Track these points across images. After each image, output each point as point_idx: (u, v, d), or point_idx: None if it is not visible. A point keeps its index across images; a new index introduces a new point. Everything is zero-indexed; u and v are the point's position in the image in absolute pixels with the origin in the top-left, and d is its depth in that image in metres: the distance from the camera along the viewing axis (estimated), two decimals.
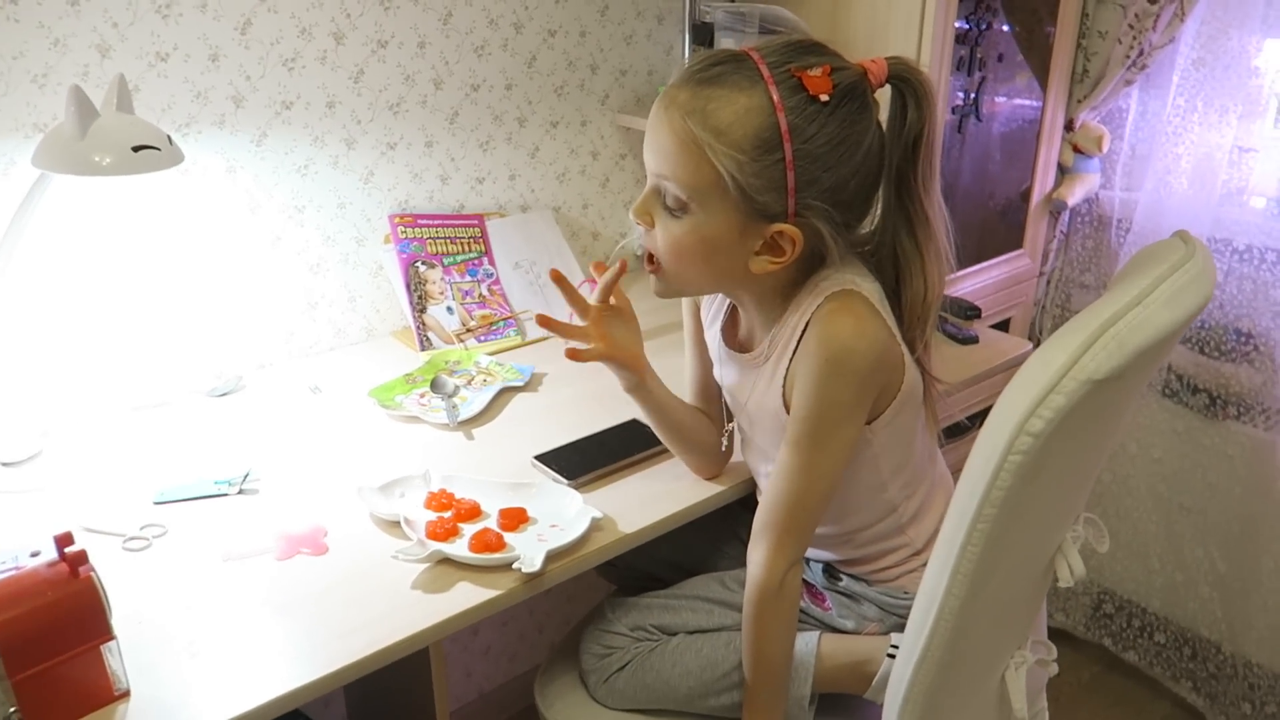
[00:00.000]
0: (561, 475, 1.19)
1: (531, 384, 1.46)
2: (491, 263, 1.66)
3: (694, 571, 1.29)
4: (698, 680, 1.15)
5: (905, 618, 1.13)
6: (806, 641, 1.14)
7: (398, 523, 1.08)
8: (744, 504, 1.28)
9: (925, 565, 1.13)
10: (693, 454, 1.22)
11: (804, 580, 1.20)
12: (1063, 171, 2.03)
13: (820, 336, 0.98)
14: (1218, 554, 1.93)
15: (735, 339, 1.15)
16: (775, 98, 0.92)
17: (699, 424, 1.22)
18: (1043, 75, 1.92)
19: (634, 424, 1.32)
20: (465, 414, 1.34)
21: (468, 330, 1.59)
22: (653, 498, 1.17)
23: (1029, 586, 0.93)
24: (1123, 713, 2.04)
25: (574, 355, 1.10)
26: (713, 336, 1.18)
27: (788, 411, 1.04)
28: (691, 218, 0.97)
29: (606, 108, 1.81)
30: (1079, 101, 1.96)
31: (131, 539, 1.08)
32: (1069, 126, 1.99)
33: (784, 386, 1.04)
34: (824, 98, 0.92)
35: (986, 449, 0.75)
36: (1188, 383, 1.93)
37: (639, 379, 1.15)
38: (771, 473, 1.05)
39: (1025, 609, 0.97)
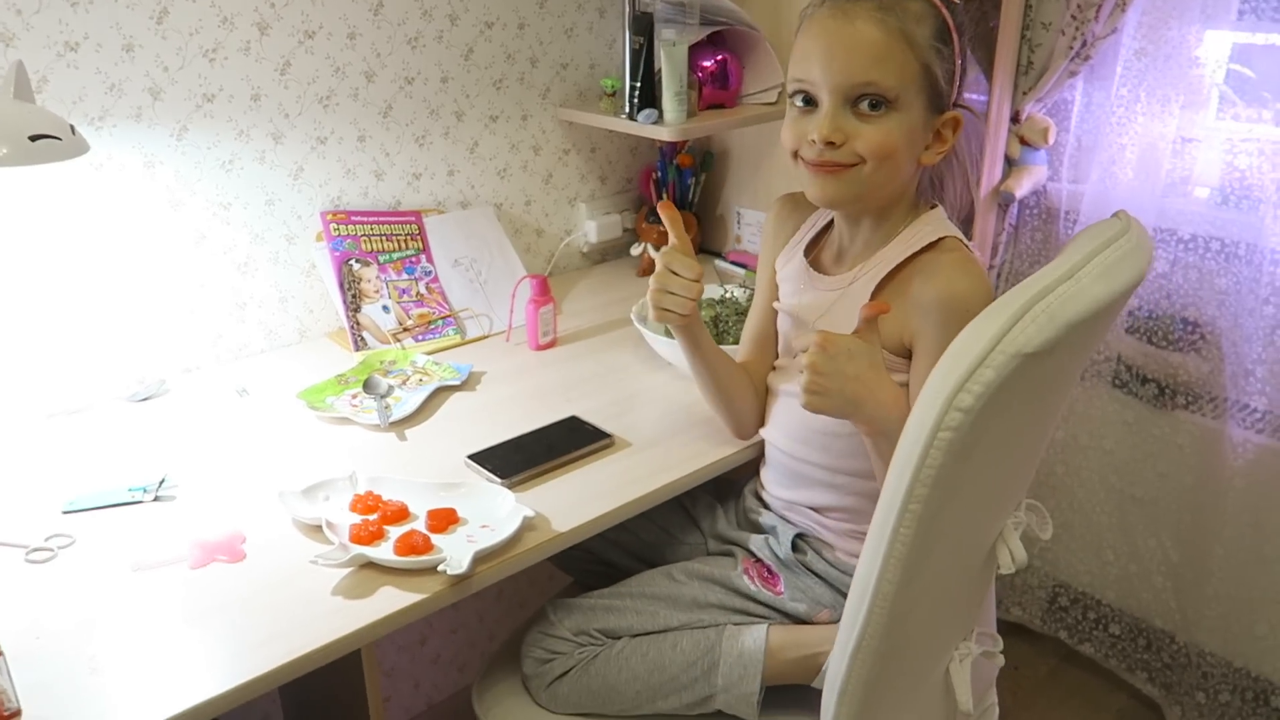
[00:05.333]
0: (495, 474, 1.15)
1: (469, 383, 1.41)
2: (430, 260, 1.61)
3: (654, 562, 1.26)
4: (645, 684, 1.12)
5: None
6: (755, 637, 1.11)
7: (320, 526, 1.03)
8: (702, 487, 1.25)
9: None
10: (732, 407, 1.23)
11: (758, 559, 1.17)
12: (1010, 164, 2.03)
13: (965, 287, 1.01)
14: (1170, 544, 1.93)
15: (819, 262, 1.18)
16: None
17: (740, 378, 1.23)
18: (988, 68, 1.91)
19: (574, 421, 1.28)
20: (398, 414, 1.29)
21: (405, 329, 1.54)
22: (590, 495, 1.13)
23: (969, 574, 0.90)
24: (1080, 705, 2.04)
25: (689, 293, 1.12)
26: (795, 258, 1.19)
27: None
28: (895, 115, 1.01)
29: (548, 102, 1.77)
30: (1024, 94, 1.95)
31: (35, 550, 1.02)
32: (1015, 119, 1.98)
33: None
34: None
35: (916, 426, 0.72)
36: (1137, 373, 1.93)
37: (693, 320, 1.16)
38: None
39: (967, 598, 0.94)
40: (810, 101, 1.04)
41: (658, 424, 1.29)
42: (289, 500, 1.07)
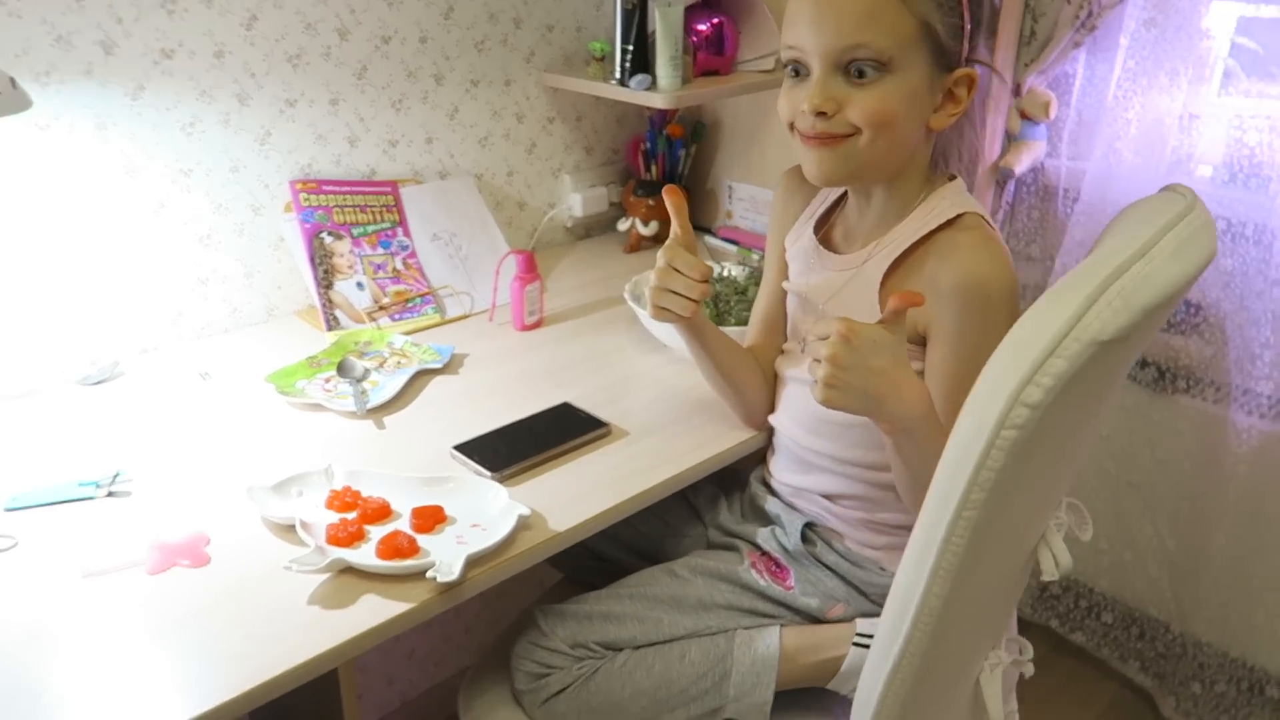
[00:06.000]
0: (484, 467, 1.06)
1: (451, 365, 1.32)
2: (407, 234, 1.51)
3: (652, 557, 1.18)
4: (651, 699, 1.03)
5: (873, 599, 1.04)
6: (768, 643, 1.04)
7: (293, 526, 0.94)
8: (706, 477, 1.17)
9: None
10: (742, 397, 1.16)
11: (766, 554, 1.11)
12: (1010, 139, 1.96)
13: (985, 270, 0.94)
14: (1166, 532, 1.89)
15: (830, 240, 1.10)
16: None
17: (748, 365, 1.16)
18: (990, 38, 1.83)
19: (566, 408, 1.19)
20: (375, 400, 1.20)
21: (380, 308, 1.44)
22: (588, 490, 1.05)
23: (1010, 581, 0.84)
24: (1071, 694, 2.00)
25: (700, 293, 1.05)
26: (804, 235, 1.12)
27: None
28: (891, 78, 0.93)
29: (532, 66, 1.67)
30: (1026, 65, 1.88)
31: None
32: (1016, 91, 1.91)
33: (881, 290, 1.00)
34: None
35: (973, 425, 0.64)
36: (1137, 357, 1.88)
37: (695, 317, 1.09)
38: (958, 391, 1.00)
39: (1004, 606, 0.87)
40: (802, 70, 0.96)
41: (656, 410, 1.21)
42: (258, 496, 0.97)
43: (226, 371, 1.28)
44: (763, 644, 1.03)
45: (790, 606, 1.07)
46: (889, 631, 0.74)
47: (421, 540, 0.93)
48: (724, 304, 1.33)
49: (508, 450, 1.09)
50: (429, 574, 0.87)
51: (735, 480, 1.24)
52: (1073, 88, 1.92)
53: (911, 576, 0.71)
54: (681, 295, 1.03)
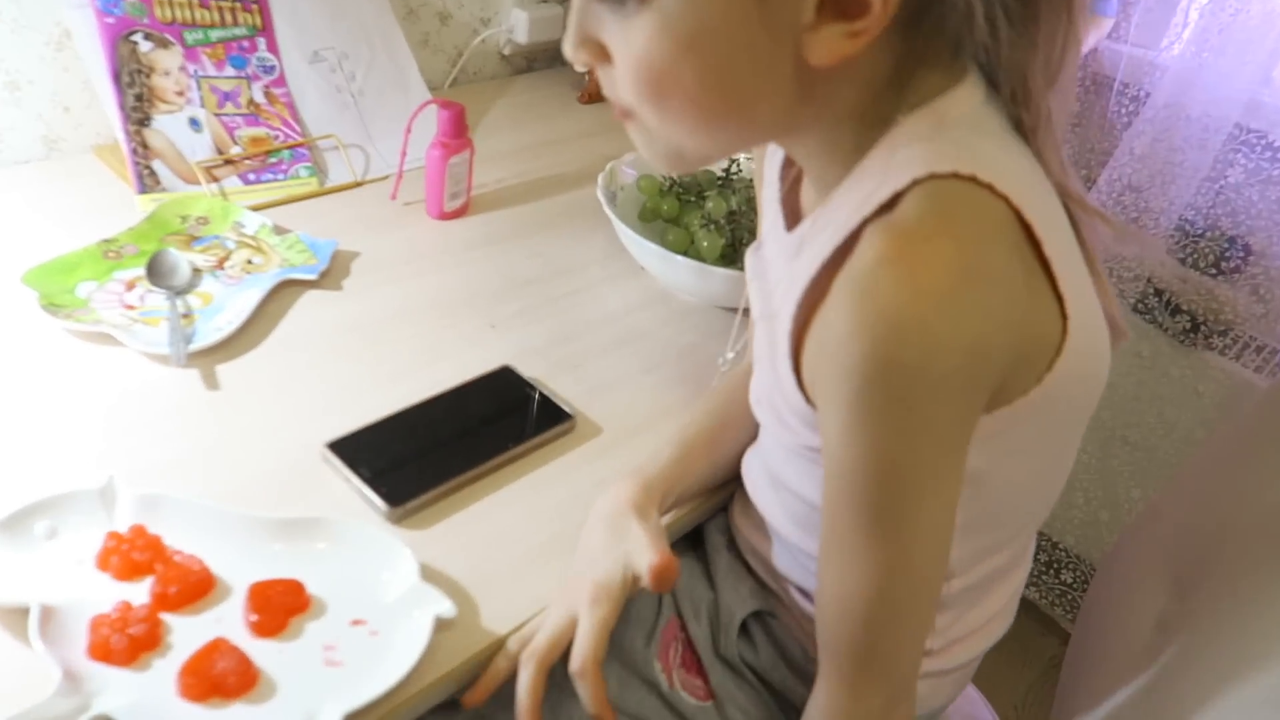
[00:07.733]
0: (377, 494, 0.65)
1: (331, 275, 0.88)
2: (272, 48, 1.01)
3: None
4: None
5: None
6: None
7: (27, 610, 0.53)
8: None
9: (929, 678, 0.69)
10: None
11: (685, 630, 0.71)
12: None
13: (860, 313, 0.45)
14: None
15: (796, 205, 0.63)
16: None
17: (740, 420, 0.72)
18: None
19: (507, 376, 0.79)
20: (206, 336, 0.76)
21: (226, 162, 0.96)
22: (544, 540, 0.66)
23: None
24: (1011, 651, 1.82)
25: None
26: (770, 199, 0.65)
27: (804, 394, 0.55)
28: (658, 6, 0.46)
29: None
30: None
31: None
32: None
33: (794, 338, 0.54)
34: None
35: None
36: (1168, 301, 1.58)
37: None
38: (830, 560, 0.55)
39: None
40: None
41: (639, 388, 0.82)
42: None
43: None
44: None
45: None
46: None
47: (260, 658, 0.54)
48: (739, 222, 0.91)
49: (416, 458, 0.69)
50: None
51: None
52: None
53: None
54: None
